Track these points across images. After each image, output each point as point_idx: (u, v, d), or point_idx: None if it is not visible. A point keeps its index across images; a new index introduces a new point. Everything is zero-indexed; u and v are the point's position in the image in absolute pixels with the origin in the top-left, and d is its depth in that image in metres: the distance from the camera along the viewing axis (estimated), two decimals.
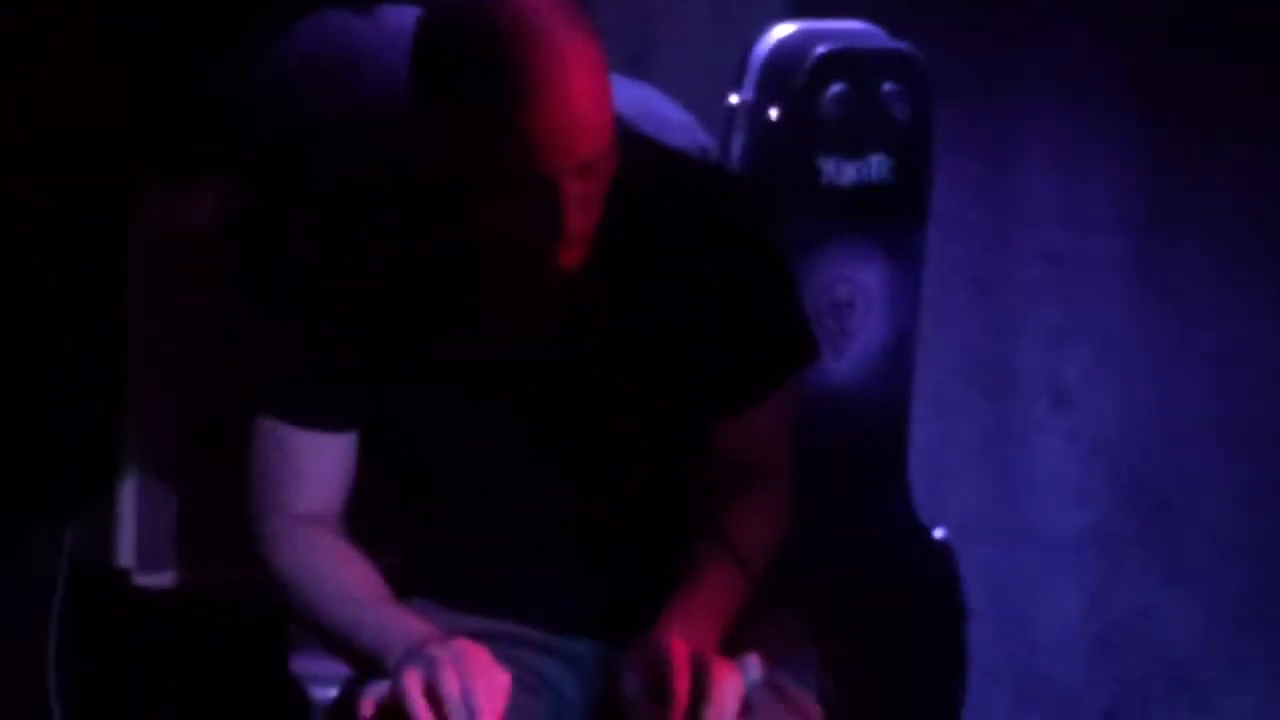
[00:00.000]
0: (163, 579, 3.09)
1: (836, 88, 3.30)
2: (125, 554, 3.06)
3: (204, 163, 3.07)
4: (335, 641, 2.55)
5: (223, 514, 2.91)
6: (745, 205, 2.64)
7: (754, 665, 2.44)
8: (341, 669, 2.81)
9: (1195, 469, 3.78)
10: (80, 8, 3.10)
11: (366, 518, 2.67)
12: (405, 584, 2.65)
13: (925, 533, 3.46)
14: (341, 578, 2.56)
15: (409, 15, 2.95)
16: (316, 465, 2.58)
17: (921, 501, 3.47)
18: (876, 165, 3.33)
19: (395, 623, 2.51)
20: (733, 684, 2.38)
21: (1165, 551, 3.77)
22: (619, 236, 2.50)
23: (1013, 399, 3.76)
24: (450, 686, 2.34)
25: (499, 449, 2.59)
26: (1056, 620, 3.79)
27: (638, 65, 3.29)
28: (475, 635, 2.48)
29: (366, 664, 2.50)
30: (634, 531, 2.62)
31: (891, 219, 3.37)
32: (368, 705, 2.38)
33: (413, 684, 2.35)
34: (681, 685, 2.35)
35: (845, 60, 3.31)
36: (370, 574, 2.57)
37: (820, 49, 3.30)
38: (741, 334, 2.58)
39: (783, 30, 3.35)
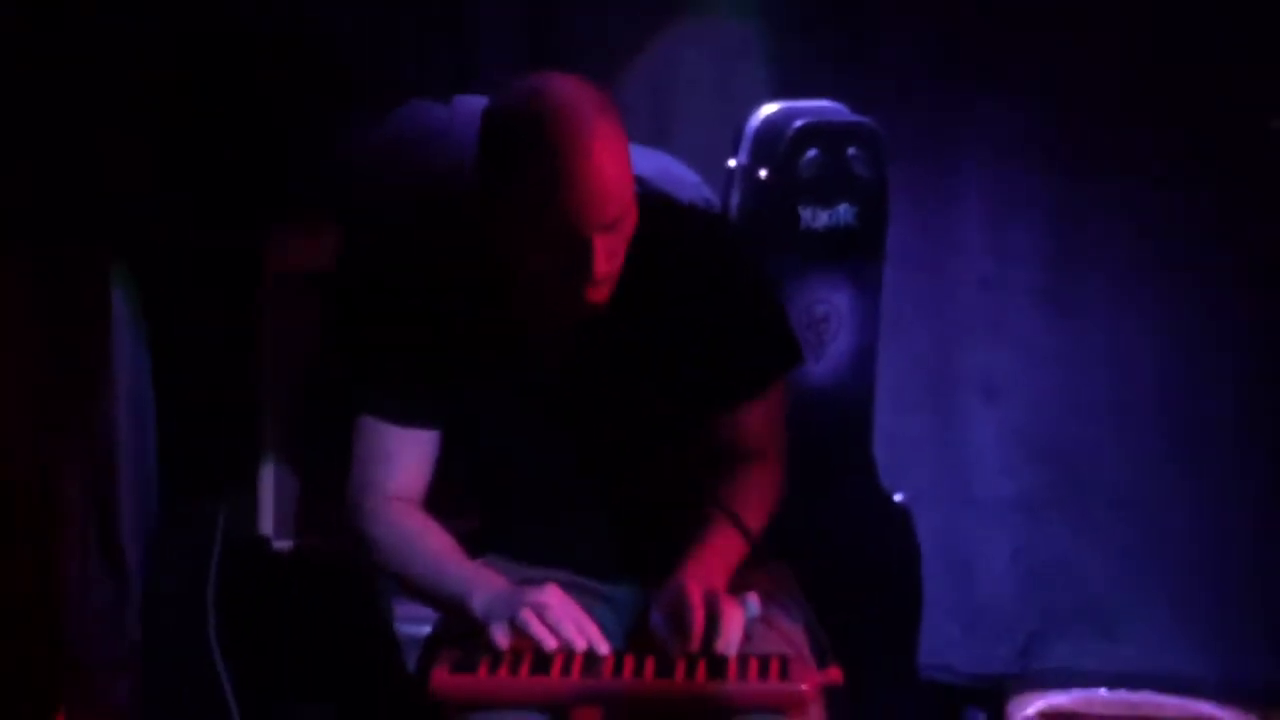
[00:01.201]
0: (293, 544, 3.15)
1: (811, 152, 3.30)
2: (265, 524, 3.12)
3: (321, 216, 3.10)
4: (423, 593, 2.59)
5: (335, 495, 3.00)
6: (740, 245, 2.67)
7: (754, 603, 2.48)
8: (427, 612, 2.94)
9: (1097, 444, 3.69)
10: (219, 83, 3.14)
11: (452, 494, 2.70)
12: (482, 544, 2.68)
13: (887, 498, 3.46)
14: (428, 542, 2.59)
15: (479, 104, 3.01)
16: (404, 455, 2.62)
17: (884, 473, 3.48)
18: (844, 213, 3.34)
19: (474, 574, 2.54)
20: (737, 617, 2.43)
21: (1075, 511, 3.73)
22: (640, 271, 2.52)
23: (953, 394, 3.73)
24: (562, 614, 2.40)
25: (544, 438, 2.62)
26: (991, 565, 3.74)
27: (659, 137, 3.30)
28: (537, 583, 2.51)
29: (451, 609, 2.53)
30: (654, 500, 2.64)
31: (856, 255, 3.36)
32: (501, 639, 2.42)
33: (531, 617, 2.40)
34: (697, 619, 2.40)
35: (818, 131, 3.32)
36: (450, 539, 2.59)
37: (798, 122, 3.31)
38: (738, 345, 2.60)
39: (769, 108, 3.35)
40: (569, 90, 2.45)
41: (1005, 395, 3.72)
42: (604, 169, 2.41)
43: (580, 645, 2.42)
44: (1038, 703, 3.64)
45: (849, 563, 3.32)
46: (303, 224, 3.11)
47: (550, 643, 2.41)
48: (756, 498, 2.65)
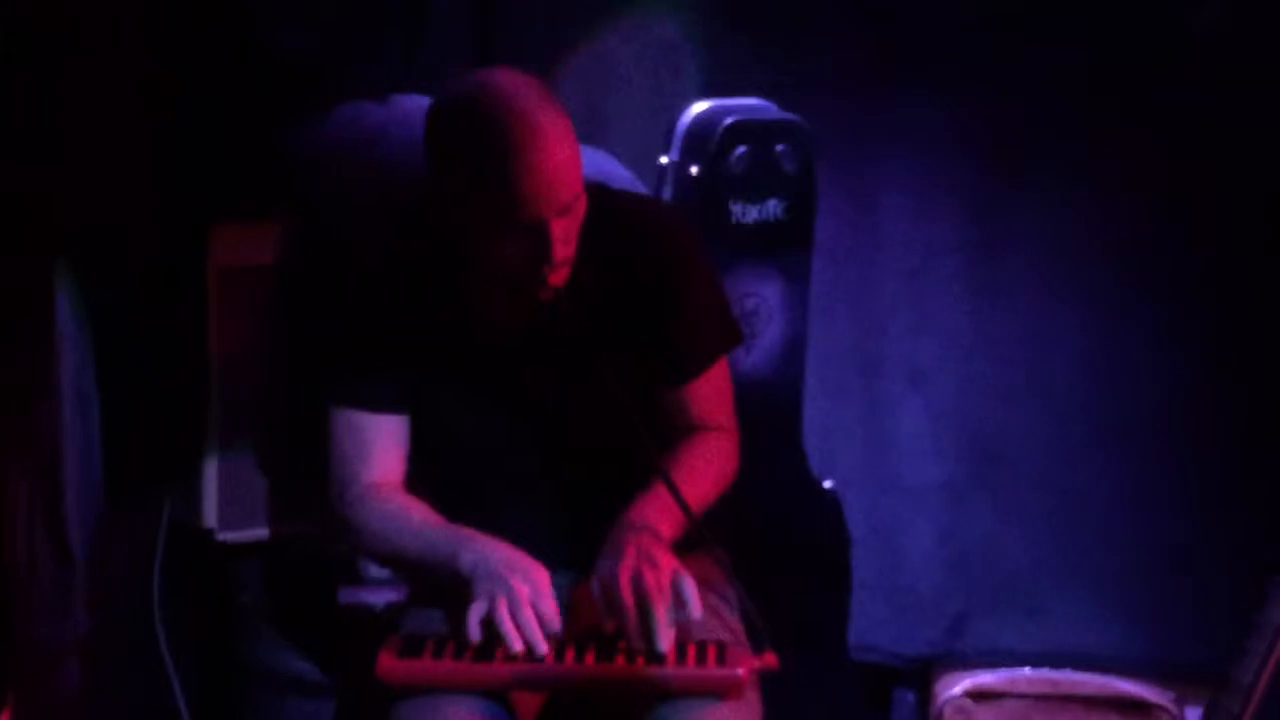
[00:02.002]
0: (237, 536, 3.14)
1: (741, 149, 3.32)
2: (210, 517, 3.11)
3: (266, 211, 3.11)
4: (415, 565, 2.61)
5: (283, 487, 3.09)
6: (684, 230, 2.73)
7: (693, 603, 2.49)
8: (380, 596, 2.97)
9: (1020, 429, 3.70)
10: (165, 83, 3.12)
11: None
12: None
13: (818, 483, 3.49)
14: (412, 517, 2.61)
15: (417, 102, 3.04)
16: (380, 441, 2.64)
17: (814, 460, 3.51)
18: (773, 208, 3.36)
19: (461, 533, 2.56)
20: (665, 600, 2.47)
21: (999, 493, 3.74)
22: (592, 257, 2.57)
23: (880, 380, 3.74)
24: (530, 616, 2.43)
25: (501, 420, 2.65)
26: (918, 547, 3.76)
27: (593, 135, 3.25)
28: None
29: (442, 572, 2.54)
30: (601, 487, 2.66)
31: (785, 248, 3.39)
32: (475, 631, 2.44)
33: (504, 615, 2.42)
34: (629, 618, 2.45)
35: (747, 129, 3.33)
36: (432, 512, 2.62)
37: (728, 120, 3.32)
38: (686, 325, 2.66)
39: (699, 107, 3.37)
40: (514, 81, 2.51)
41: (931, 382, 3.74)
42: (557, 154, 2.47)
43: (542, 650, 2.45)
44: (964, 682, 3.66)
45: (780, 549, 3.34)
46: (248, 218, 3.12)
47: (516, 646, 2.45)
48: (703, 464, 2.70)
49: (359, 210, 3.05)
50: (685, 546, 2.62)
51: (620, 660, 2.46)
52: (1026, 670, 3.70)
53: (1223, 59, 3.53)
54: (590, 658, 2.47)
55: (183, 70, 3.11)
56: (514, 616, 2.46)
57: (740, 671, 2.45)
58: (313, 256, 3.03)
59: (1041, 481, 3.77)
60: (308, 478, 2.79)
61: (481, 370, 2.65)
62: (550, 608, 2.48)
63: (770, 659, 2.49)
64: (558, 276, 2.53)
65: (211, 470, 3.11)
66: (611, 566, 2.50)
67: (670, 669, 2.45)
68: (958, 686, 3.65)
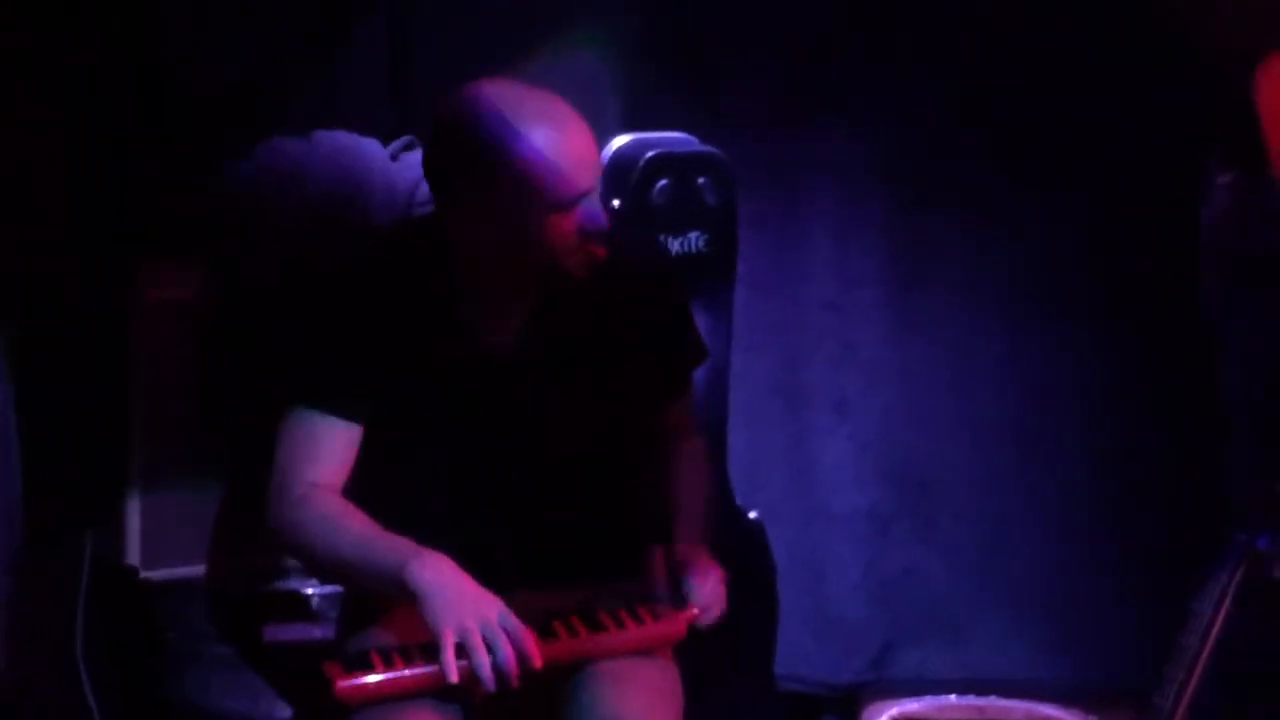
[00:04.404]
0: (162, 574, 3.12)
1: (662, 182, 3.33)
2: (133, 555, 3.10)
3: (188, 247, 3.11)
4: (350, 571, 2.58)
5: (207, 525, 3.08)
6: (663, 254, 2.87)
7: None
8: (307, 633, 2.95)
9: (943, 459, 3.75)
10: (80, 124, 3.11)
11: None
12: None
13: (743, 514, 3.47)
14: (351, 522, 2.58)
15: (337, 138, 3.08)
16: (328, 445, 2.63)
17: (738, 490, 3.49)
18: (694, 240, 3.36)
19: (406, 547, 2.52)
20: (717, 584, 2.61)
21: (923, 522, 3.78)
22: (580, 281, 2.62)
23: (805, 411, 3.77)
24: (508, 647, 2.42)
25: (476, 428, 2.65)
26: (844, 576, 3.78)
27: None
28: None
29: (381, 581, 2.51)
30: (566, 502, 2.69)
31: (708, 280, 3.38)
32: (452, 673, 2.41)
33: (479, 648, 2.40)
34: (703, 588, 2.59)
35: (668, 161, 3.34)
36: (370, 520, 2.59)
37: (649, 153, 3.33)
38: (668, 348, 2.75)
39: (621, 140, 3.38)
40: (514, 81, 2.60)
41: (855, 412, 3.77)
42: (585, 137, 2.56)
43: (513, 684, 2.44)
44: (891, 710, 3.68)
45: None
46: (169, 254, 3.11)
47: (492, 686, 2.42)
48: (695, 467, 2.78)
49: (284, 240, 3.06)
50: (620, 563, 2.68)
51: (563, 635, 2.50)
52: (952, 698, 3.71)
53: (1135, 82, 3.57)
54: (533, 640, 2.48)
55: (102, 106, 3.09)
56: (491, 651, 2.42)
57: (681, 623, 2.55)
58: (249, 281, 3.05)
59: (966, 509, 3.81)
60: (247, 512, 2.78)
61: (462, 379, 2.66)
62: (529, 642, 2.45)
63: (692, 611, 2.57)
64: (571, 261, 2.58)
65: (134, 508, 3.10)
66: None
67: (612, 634, 2.52)
68: (884, 715, 3.67)
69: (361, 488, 2.68)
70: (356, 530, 2.58)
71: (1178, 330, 3.57)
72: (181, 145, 3.15)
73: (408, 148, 3.31)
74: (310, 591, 3.07)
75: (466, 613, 2.43)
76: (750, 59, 3.65)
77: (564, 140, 2.53)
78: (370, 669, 2.46)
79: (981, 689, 3.71)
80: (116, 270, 3.08)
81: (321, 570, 2.77)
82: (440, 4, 3.51)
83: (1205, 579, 2.84)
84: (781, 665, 3.56)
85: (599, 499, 2.71)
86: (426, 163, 2.63)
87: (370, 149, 3.25)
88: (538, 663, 2.43)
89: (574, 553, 2.70)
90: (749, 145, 3.57)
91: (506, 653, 2.41)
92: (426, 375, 2.65)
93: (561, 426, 2.68)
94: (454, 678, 2.41)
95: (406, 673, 2.45)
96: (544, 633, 2.50)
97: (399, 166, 3.26)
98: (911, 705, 3.70)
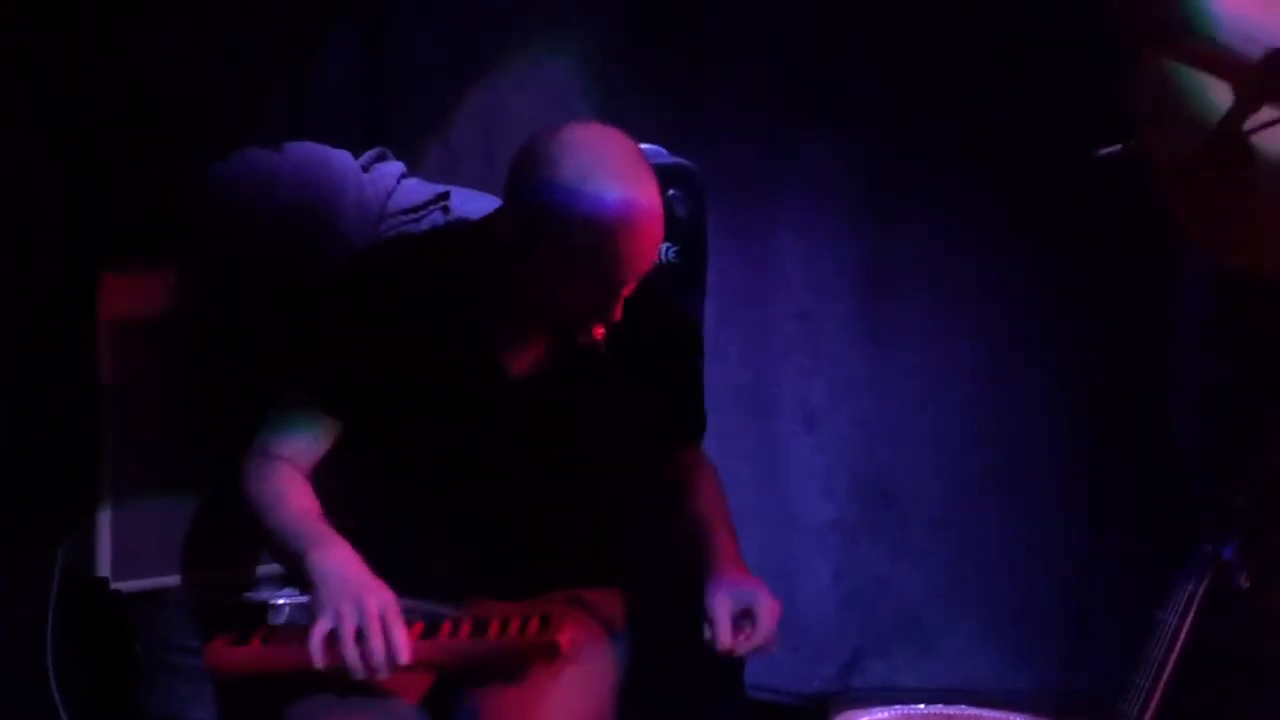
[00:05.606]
0: (133, 585, 3.10)
1: None
2: (103, 566, 3.07)
3: (156, 262, 3.09)
4: (275, 547, 2.62)
5: (177, 537, 3.06)
6: (685, 315, 2.88)
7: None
8: None
9: (911, 468, 3.76)
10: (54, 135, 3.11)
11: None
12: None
13: None
14: (289, 501, 2.62)
15: (307, 149, 3.08)
16: (310, 431, 2.67)
17: None
18: (665, 251, 3.31)
19: (318, 535, 2.56)
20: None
21: (891, 531, 3.79)
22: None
23: (775, 420, 3.77)
24: (379, 644, 2.42)
25: (468, 445, 2.68)
26: (813, 585, 3.78)
27: (488, 179, 3.20)
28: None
29: (292, 565, 2.55)
30: (538, 527, 2.71)
31: (679, 291, 3.32)
32: (319, 657, 2.42)
33: (349, 640, 2.40)
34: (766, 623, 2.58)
35: None
36: (311, 500, 2.63)
37: None
38: (671, 410, 2.78)
39: None
40: (624, 148, 2.55)
41: (824, 423, 3.78)
42: (655, 229, 2.55)
43: (384, 677, 2.44)
44: (860, 719, 3.65)
45: (677, 589, 3.22)
46: (138, 269, 3.10)
47: (359, 674, 2.43)
48: (712, 486, 2.82)
49: (279, 240, 3.08)
50: (586, 581, 2.70)
51: (443, 636, 2.51)
52: (921, 707, 3.69)
53: (1113, 94, 3.57)
54: (417, 632, 2.50)
55: (73, 118, 3.08)
56: (362, 640, 2.43)
57: (557, 641, 2.50)
58: (221, 288, 3.06)
59: (933, 519, 3.82)
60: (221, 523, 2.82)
61: (472, 394, 2.67)
62: (402, 638, 2.45)
63: (568, 633, 2.52)
64: (604, 327, 2.60)
65: (105, 519, 3.08)
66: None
67: (489, 642, 2.51)
68: None
69: (360, 487, 2.71)
70: (288, 510, 2.61)
71: (1146, 343, 3.58)
72: (153, 157, 3.15)
73: (380, 158, 3.31)
74: (282, 601, 3.05)
75: (345, 603, 2.44)
76: (720, 71, 3.66)
77: (634, 232, 2.51)
78: (248, 644, 2.51)
79: (950, 698, 3.66)
80: (85, 283, 3.06)
81: (261, 539, 2.77)
82: (413, 15, 3.51)
83: (1171, 588, 2.85)
84: (751, 674, 3.50)
85: (588, 521, 2.73)
86: (506, 186, 2.61)
87: (341, 160, 3.26)
88: (405, 657, 2.43)
89: (551, 566, 2.72)
90: (719, 157, 3.57)
91: (375, 644, 2.41)
92: (436, 384, 2.67)
93: (565, 453, 2.71)
94: (320, 662, 2.43)
95: (280, 651, 2.49)
96: (428, 633, 2.51)
97: (371, 178, 3.26)
98: (880, 714, 3.67)
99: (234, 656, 2.51)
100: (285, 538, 2.58)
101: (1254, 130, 2.53)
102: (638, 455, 2.75)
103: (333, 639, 2.43)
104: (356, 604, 2.44)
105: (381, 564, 2.56)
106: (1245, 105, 2.50)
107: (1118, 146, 2.65)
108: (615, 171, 2.51)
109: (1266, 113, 2.53)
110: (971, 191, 3.71)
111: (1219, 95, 2.56)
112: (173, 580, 3.12)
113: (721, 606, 2.56)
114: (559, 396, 2.68)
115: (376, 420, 2.69)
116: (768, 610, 2.57)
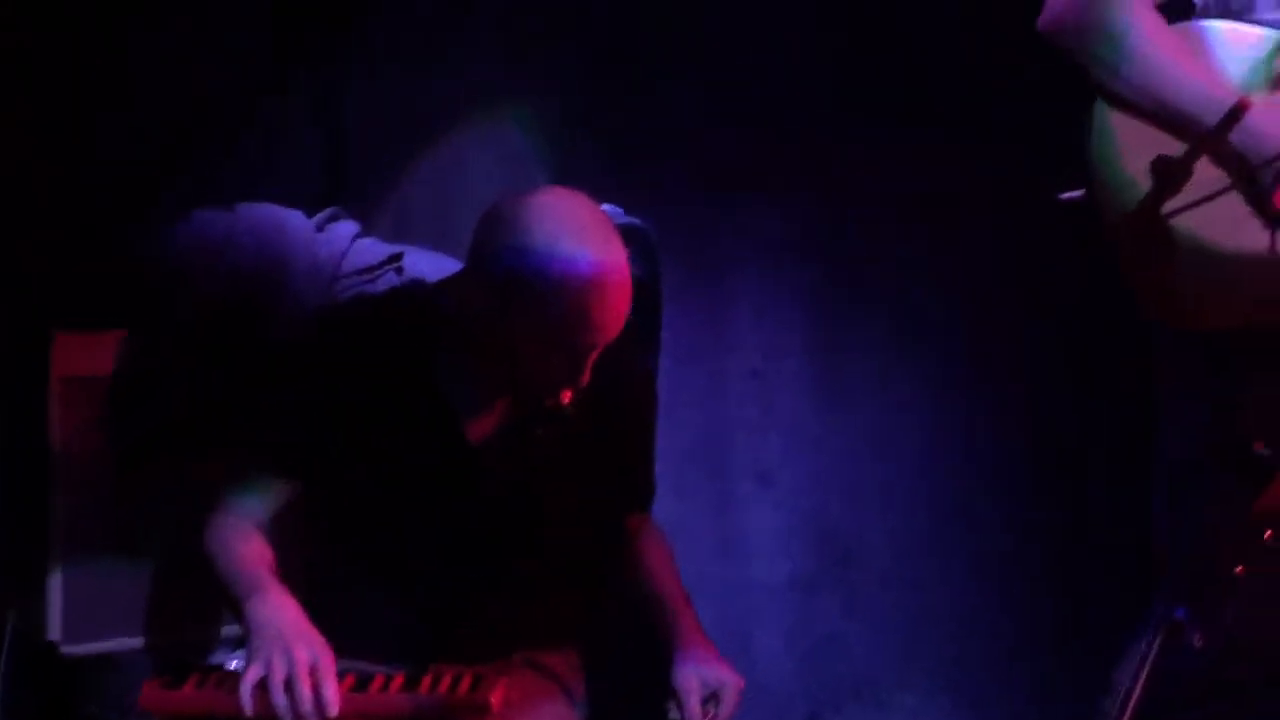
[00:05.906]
0: (83, 649, 3.07)
1: None
2: (54, 630, 3.05)
3: (107, 321, 3.08)
4: (220, 592, 2.60)
5: (129, 599, 3.05)
6: (643, 376, 2.86)
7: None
8: None
9: (866, 526, 3.79)
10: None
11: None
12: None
13: None
14: (235, 549, 2.61)
15: (258, 209, 3.07)
16: (262, 488, 2.67)
17: None
18: None
19: (260, 585, 2.54)
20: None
21: (846, 590, 3.80)
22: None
23: (728, 480, 3.80)
24: (303, 688, 2.41)
25: (431, 506, 2.67)
26: (769, 644, 3.80)
27: (442, 238, 3.20)
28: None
29: (231, 611, 2.55)
30: (493, 589, 2.70)
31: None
32: (248, 703, 2.41)
33: (278, 689, 2.39)
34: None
35: None
36: (262, 549, 2.62)
37: None
38: (629, 473, 2.81)
39: None
40: (592, 216, 2.55)
41: (778, 481, 3.80)
42: (622, 298, 2.55)
43: None
44: None
45: (632, 649, 3.22)
46: (89, 328, 3.08)
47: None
48: (662, 553, 2.84)
49: (229, 301, 3.06)
50: (539, 643, 2.70)
51: (374, 690, 2.50)
52: None
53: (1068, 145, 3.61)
54: (348, 685, 2.49)
55: (25, 177, 3.07)
56: (290, 688, 2.42)
57: (487, 701, 2.48)
58: (170, 349, 3.06)
59: (888, 577, 3.84)
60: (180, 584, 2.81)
61: (434, 456, 2.67)
62: (331, 690, 2.43)
63: (499, 691, 2.50)
64: (569, 393, 2.60)
65: (55, 583, 3.06)
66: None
67: (419, 697, 2.49)
68: None
69: (317, 547, 2.71)
70: (232, 557, 2.61)
71: (1101, 399, 3.62)
72: (103, 217, 3.15)
73: (333, 219, 3.30)
74: (234, 665, 3.03)
75: (276, 651, 2.43)
76: (675, 131, 3.70)
77: (602, 302, 2.51)
78: (181, 687, 2.51)
79: None
80: (36, 343, 3.05)
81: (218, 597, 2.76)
82: (371, 77, 3.51)
83: (1124, 648, 2.86)
84: None
85: (547, 584, 2.73)
86: (472, 251, 2.60)
87: (294, 221, 3.23)
88: (333, 710, 2.42)
89: (509, 628, 2.71)
90: (673, 216, 3.56)
91: (303, 693, 2.40)
92: (393, 446, 2.66)
93: (525, 516, 2.71)
94: (249, 709, 2.42)
95: (212, 695, 2.49)
96: (359, 686, 2.51)
97: (325, 238, 3.25)
98: None
99: (167, 699, 2.51)
100: (227, 585, 2.59)
101: (1172, 214, 2.55)
102: (596, 518, 2.76)
103: (264, 686, 2.43)
104: (286, 653, 2.43)
105: (338, 624, 2.55)
106: (1163, 189, 2.54)
107: (1080, 192, 2.67)
108: (586, 237, 2.51)
109: (1183, 197, 2.56)
110: (924, 250, 3.75)
111: (1130, 167, 2.59)
112: (125, 643, 3.10)
113: (691, 687, 2.59)
114: (519, 459, 2.68)
115: (333, 481, 2.68)
116: (733, 691, 2.60)
